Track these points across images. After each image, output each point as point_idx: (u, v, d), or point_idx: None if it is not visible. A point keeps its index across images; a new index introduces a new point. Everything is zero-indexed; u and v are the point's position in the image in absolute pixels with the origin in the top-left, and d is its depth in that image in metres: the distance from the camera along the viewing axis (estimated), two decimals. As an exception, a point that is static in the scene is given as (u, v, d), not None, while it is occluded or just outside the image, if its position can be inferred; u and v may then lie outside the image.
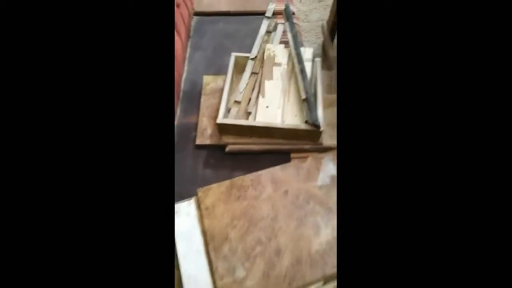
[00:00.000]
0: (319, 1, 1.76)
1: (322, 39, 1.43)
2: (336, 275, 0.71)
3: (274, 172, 0.86)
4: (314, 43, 1.54)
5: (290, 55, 1.02)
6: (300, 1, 1.72)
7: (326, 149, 0.92)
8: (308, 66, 0.99)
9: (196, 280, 0.70)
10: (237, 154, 0.93)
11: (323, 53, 1.38)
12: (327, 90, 1.08)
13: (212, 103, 1.03)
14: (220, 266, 0.70)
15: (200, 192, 0.82)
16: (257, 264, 0.71)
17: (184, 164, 0.93)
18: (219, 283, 0.68)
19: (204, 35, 1.29)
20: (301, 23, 1.68)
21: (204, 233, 0.76)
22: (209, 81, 1.10)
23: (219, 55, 1.19)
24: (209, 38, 1.27)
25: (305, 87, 0.90)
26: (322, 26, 1.40)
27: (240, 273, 0.70)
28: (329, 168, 0.87)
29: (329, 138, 0.95)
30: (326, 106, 1.02)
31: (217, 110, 0.94)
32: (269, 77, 0.98)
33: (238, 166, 0.91)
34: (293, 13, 1.28)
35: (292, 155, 0.93)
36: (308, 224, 0.77)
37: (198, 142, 0.95)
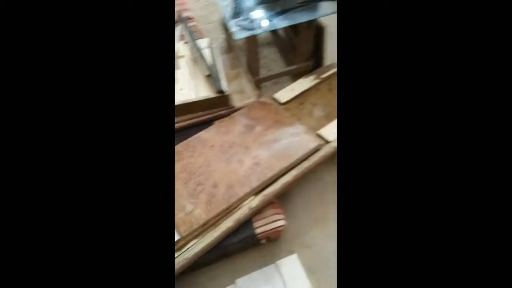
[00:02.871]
0: (214, 5, 2.05)
1: (223, 33, 1.70)
2: (260, 188, 0.94)
3: (200, 135, 1.08)
4: (219, 38, 1.81)
5: (190, 48, 1.25)
6: (200, 7, 1.99)
7: (238, 109, 1.16)
8: (207, 52, 1.23)
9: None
10: (172, 133, 1.13)
11: (227, 43, 1.65)
12: (230, 67, 1.33)
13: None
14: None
15: (147, 165, 1.01)
16: (201, 198, 0.92)
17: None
18: (175, 218, 0.88)
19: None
20: (204, 25, 1.93)
21: (157, 192, 0.95)
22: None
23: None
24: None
25: (206, 67, 1.14)
26: (221, 24, 1.66)
27: (189, 207, 0.90)
28: (241, 121, 1.11)
29: (238, 101, 1.19)
30: (231, 79, 1.27)
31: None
32: (177, 68, 1.20)
33: (175, 142, 1.11)
34: (191, 18, 1.52)
35: (215, 122, 1.16)
36: (234, 161, 1.00)
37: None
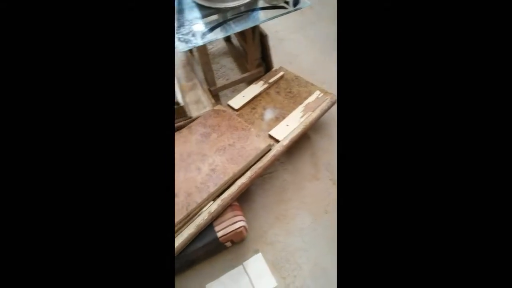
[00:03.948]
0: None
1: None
2: (218, 193, 0.98)
3: (160, 147, 1.10)
4: (178, 53, 1.85)
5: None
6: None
7: (195, 119, 1.20)
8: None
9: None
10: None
11: (186, 56, 1.69)
12: (185, 80, 1.36)
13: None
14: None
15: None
16: (161, 207, 0.94)
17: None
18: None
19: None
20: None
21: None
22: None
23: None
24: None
25: (160, 81, 1.17)
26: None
27: (150, 218, 0.92)
28: (198, 130, 1.14)
29: (195, 111, 1.23)
30: (187, 90, 1.30)
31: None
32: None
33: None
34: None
35: (175, 134, 1.18)
36: (192, 169, 1.02)
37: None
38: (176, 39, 1.01)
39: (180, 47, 0.98)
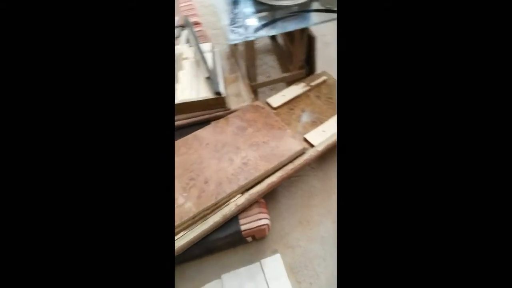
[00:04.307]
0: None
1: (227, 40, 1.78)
2: (247, 187, 0.98)
3: (197, 134, 1.13)
4: (225, 44, 1.87)
5: (194, 51, 1.31)
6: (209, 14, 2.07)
7: (233, 111, 1.21)
8: (209, 56, 1.28)
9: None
10: (170, 131, 1.18)
11: (230, 48, 1.71)
12: (229, 72, 1.38)
13: (144, 100, 1.27)
14: (165, 200, 0.94)
15: (144, 159, 1.06)
16: (192, 192, 0.96)
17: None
18: (166, 210, 0.92)
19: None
20: (212, 31, 2.00)
21: (151, 185, 1.00)
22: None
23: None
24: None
25: (206, 69, 1.19)
26: (225, 30, 1.74)
27: (181, 200, 0.94)
28: (235, 122, 1.16)
29: (234, 103, 1.24)
30: (229, 83, 1.32)
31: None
32: (180, 69, 1.26)
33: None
34: (198, 23, 1.58)
35: (212, 123, 1.20)
36: (225, 160, 1.04)
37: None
38: (228, 30, 1.03)
39: (231, 38, 1.00)
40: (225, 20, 1.09)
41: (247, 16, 1.07)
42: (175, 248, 0.87)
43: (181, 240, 0.89)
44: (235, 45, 1.55)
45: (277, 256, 1.03)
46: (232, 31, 1.02)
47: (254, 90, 1.35)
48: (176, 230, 0.90)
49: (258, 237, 1.03)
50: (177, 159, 1.05)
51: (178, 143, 1.10)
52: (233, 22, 1.05)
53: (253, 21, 1.06)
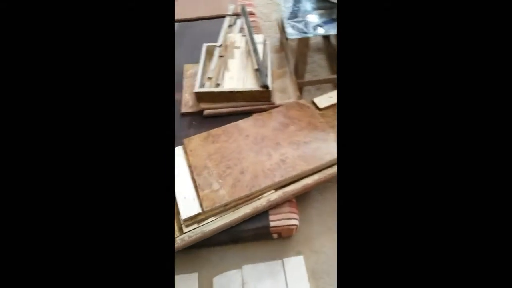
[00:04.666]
0: (277, 5, 2.09)
1: (279, 33, 1.73)
2: (282, 184, 0.97)
3: (238, 124, 1.13)
4: (274, 37, 1.85)
5: (246, 41, 1.31)
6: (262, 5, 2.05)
7: (277, 106, 1.20)
8: (260, 48, 1.27)
9: (185, 194, 0.96)
10: (212, 117, 1.19)
11: (280, 42, 1.68)
12: (277, 66, 1.36)
13: (191, 84, 1.29)
14: (202, 183, 0.97)
15: (186, 140, 1.09)
16: (227, 180, 0.97)
17: (174, 127, 1.19)
18: (201, 193, 0.94)
19: (184, 36, 1.56)
20: (263, 23, 1.98)
21: (189, 166, 1.02)
22: (189, 68, 1.37)
23: (196, 49, 1.46)
24: (188, 38, 1.54)
25: (257, 61, 1.19)
26: (278, 23, 1.70)
27: (216, 186, 0.96)
28: (278, 117, 1.14)
29: (279, 99, 1.22)
30: (276, 77, 1.30)
31: (195, 85, 1.21)
32: (231, 57, 1.26)
33: (213, 125, 1.17)
34: (252, 13, 1.58)
35: (254, 114, 1.20)
36: (263, 153, 1.03)
37: (183, 110, 1.21)
38: (287, 24, 1.01)
39: (289, 33, 0.98)
40: (282, 14, 1.07)
41: (308, 12, 1.04)
42: (204, 232, 0.90)
43: (211, 225, 0.91)
44: (287, 39, 1.52)
45: (300, 258, 1.02)
46: (292, 25, 1.00)
47: (300, 87, 1.32)
48: (206, 215, 0.92)
49: (284, 235, 1.02)
50: (216, 146, 1.06)
51: (218, 131, 1.11)
52: (293, 16, 1.02)
53: (314, 18, 1.03)
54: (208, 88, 1.19)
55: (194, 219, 0.91)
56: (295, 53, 1.28)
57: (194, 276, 1.01)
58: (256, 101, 1.19)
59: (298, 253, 1.03)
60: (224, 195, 0.93)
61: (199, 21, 1.62)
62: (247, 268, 1.01)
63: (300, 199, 1.09)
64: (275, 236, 1.01)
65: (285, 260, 1.01)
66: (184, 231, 0.90)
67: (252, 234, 0.98)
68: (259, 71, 1.16)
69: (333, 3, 1.05)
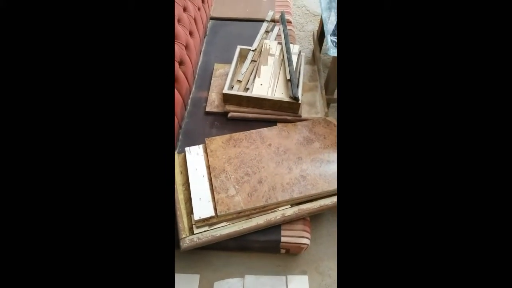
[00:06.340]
0: (314, 16, 2.06)
1: (313, 44, 1.71)
2: (299, 201, 0.95)
3: (262, 131, 1.12)
4: (307, 48, 1.82)
5: (281, 49, 1.29)
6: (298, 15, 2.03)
7: (303, 120, 1.17)
8: (294, 58, 1.25)
9: (201, 195, 0.95)
10: (236, 120, 1.18)
11: (313, 54, 1.66)
12: (309, 79, 1.34)
13: (220, 83, 1.29)
14: (218, 186, 0.95)
15: (207, 140, 1.08)
16: (244, 187, 0.95)
17: (196, 125, 1.18)
18: (216, 196, 0.93)
19: (218, 34, 1.56)
20: (298, 32, 1.96)
21: (208, 167, 1.01)
22: (219, 68, 1.36)
23: (229, 49, 1.45)
24: (222, 37, 1.54)
25: (290, 71, 1.17)
26: (313, 34, 1.67)
27: (232, 191, 0.94)
28: (303, 131, 1.12)
29: (306, 112, 1.20)
30: (306, 90, 1.28)
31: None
32: (264, 63, 1.25)
33: (236, 129, 1.16)
34: (289, 21, 1.56)
35: (278, 124, 1.18)
36: (283, 166, 1.01)
37: (207, 109, 1.20)
38: (330, 41, 0.99)
39: (332, 52, 0.95)
40: (327, 26, 1.05)
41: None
42: (213, 236, 0.88)
43: (222, 230, 0.89)
44: (320, 52, 1.50)
45: (305, 277, 0.99)
46: (333, 42, 0.98)
47: (328, 103, 1.30)
48: (219, 219, 0.90)
49: (292, 252, 1.00)
50: (237, 150, 1.05)
51: (240, 135, 1.10)
52: (335, 32, 1.00)
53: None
54: (237, 91, 1.18)
55: (206, 222, 0.90)
56: (328, 68, 1.26)
57: (196, 277, 1.00)
58: (283, 111, 1.17)
59: (303, 272, 1.01)
60: (239, 202, 0.92)
61: (235, 22, 1.61)
62: (250, 278, 0.99)
63: (313, 218, 1.07)
64: (283, 251, 0.99)
65: (289, 276, 0.99)
66: (195, 232, 0.89)
67: (261, 246, 0.95)
68: (291, 82, 1.15)
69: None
